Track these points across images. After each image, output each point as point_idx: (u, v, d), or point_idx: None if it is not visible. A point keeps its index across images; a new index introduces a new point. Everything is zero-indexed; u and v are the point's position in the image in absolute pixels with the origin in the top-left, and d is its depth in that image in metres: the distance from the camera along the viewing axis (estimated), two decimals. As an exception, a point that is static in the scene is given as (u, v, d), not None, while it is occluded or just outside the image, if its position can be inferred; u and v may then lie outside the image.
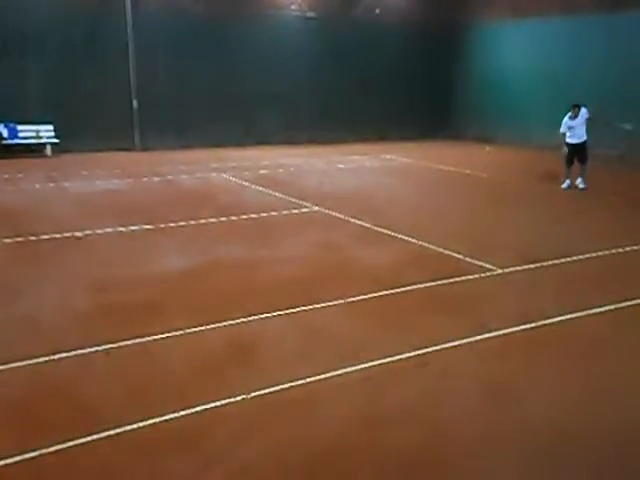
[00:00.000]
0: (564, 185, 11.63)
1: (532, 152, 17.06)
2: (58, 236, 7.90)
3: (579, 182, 11.54)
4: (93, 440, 3.51)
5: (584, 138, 11.40)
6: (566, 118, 11.42)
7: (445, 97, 20.62)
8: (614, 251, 7.45)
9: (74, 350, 4.60)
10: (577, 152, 11.48)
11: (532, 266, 6.79)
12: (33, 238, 7.78)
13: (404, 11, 19.66)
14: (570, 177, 11.66)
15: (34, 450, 3.39)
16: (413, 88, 20.09)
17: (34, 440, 3.49)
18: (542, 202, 10.76)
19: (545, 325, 5.19)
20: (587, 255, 7.24)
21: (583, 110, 11.36)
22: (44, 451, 3.40)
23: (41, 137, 15.12)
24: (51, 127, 15.21)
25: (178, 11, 16.36)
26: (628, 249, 7.55)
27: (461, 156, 16.72)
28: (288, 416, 3.81)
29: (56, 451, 3.41)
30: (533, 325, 5.18)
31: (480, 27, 19.76)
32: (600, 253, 7.34)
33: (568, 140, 11.47)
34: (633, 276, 6.65)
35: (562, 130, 11.46)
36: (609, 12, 15.75)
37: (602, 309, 5.55)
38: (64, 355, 4.53)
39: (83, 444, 3.47)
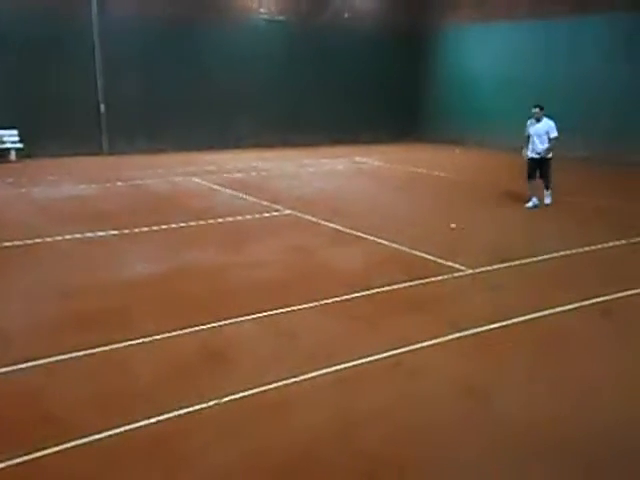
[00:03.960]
0: (529, 204, 10.19)
1: (501, 154, 17.35)
2: (23, 243, 7.72)
3: (546, 199, 10.33)
4: (61, 450, 3.44)
5: (546, 154, 10.02)
6: (529, 121, 10.14)
7: (416, 100, 20.87)
8: (579, 250, 7.62)
9: (41, 359, 4.50)
10: (539, 167, 10.16)
11: (501, 266, 6.90)
12: (-3, 245, 7.60)
13: (373, 15, 19.83)
14: (535, 194, 10.23)
15: (0, 462, 3.30)
16: (384, 91, 20.27)
17: (0, 451, 3.40)
18: (510, 203, 10.93)
19: (514, 324, 5.28)
20: (553, 255, 7.39)
21: (549, 122, 9.96)
22: (10, 463, 3.31)
23: (4, 142, 14.75)
24: (15, 132, 14.85)
25: (146, 14, 16.18)
26: (587, 249, 7.72)
27: (432, 158, 16.91)
28: (261, 421, 3.79)
29: (23, 462, 3.33)
30: (502, 324, 5.26)
31: (449, 30, 20.04)
32: (565, 252, 7.50)
33: (529, 154, 10.16)
34: (597, 274, 6.81)
35: (526, 133, 10.15)
36: (574, 15, 16.14)
37: (568, 307, 5.68)
38: (31, 364, 4.43)
39: (51, 454, 3.40)
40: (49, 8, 14.94)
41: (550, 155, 10.16)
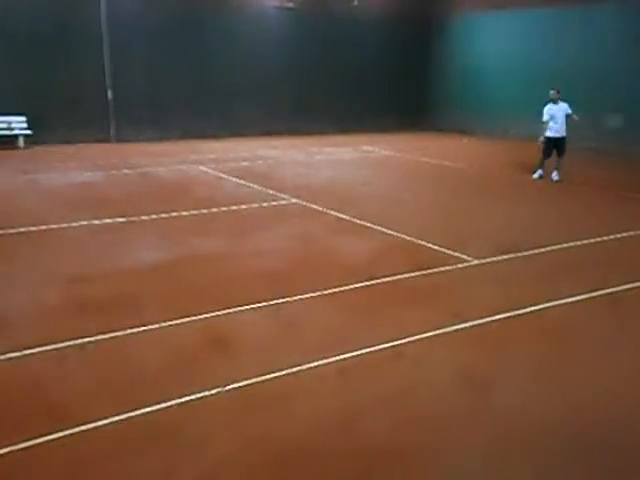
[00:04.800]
0: (535, 175, 11.71)
1: (509, 144, 17.21)
2: (30, 229, 7.75)
3: (554, 174, 11.55)
4: (64, 436, 3.45)
5: (564, 133, 11.37)
6: (548, 105, 11.32)
7: (424, 89, 20.71)
8: (587, 242, 7.56)
9: (46, 345, 4.52)
10: (557, 146, 11.45)
11: (507, 257, 6.85)
12: (2, 232, 7.62)
13: (382, 2, 19.62)
14: (543, 168, 11.68)
15: (3, 447, 3.33)
16: (393, 79, 20.12)
17: (3, 437, 3.42)
18: (518, 193, 10.86)
19: (519, 315, 5.25)
20: (561, 245, 7.33)
21: (565, 104, 11.29)
22: (13, 448, 3.34)
23: (13, 129, 14.80)
24: (23, 118, 14.89)
25: (153, 1, 16.11)
26: (599, 239, 7.66)
27: (439, 148, 16.79)
28: (263, 410, 3.79)
29: (26, 448, 3.35)
30: (508, 315, 5.22)
31: (459, 18, 19.82)
32: (573, 244, 7.44)
33: (548, 134, 11.37)
34: (605, 265, 6.76)
35: (545, 119, 11.33)
36: (585, 3, 15.91)
37: (575, 298, 5.63)
38: (35, 350, 4.45)
39: (53, 440, 3.42)
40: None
41: (565, 134, 11.41)
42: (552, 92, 11.29)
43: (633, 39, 15.25)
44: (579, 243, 7.47)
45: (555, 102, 11.29)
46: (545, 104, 11.39)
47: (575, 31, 16.44)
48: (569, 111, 11.27)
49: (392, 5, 19.69)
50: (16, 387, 4.04)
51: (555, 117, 11.29)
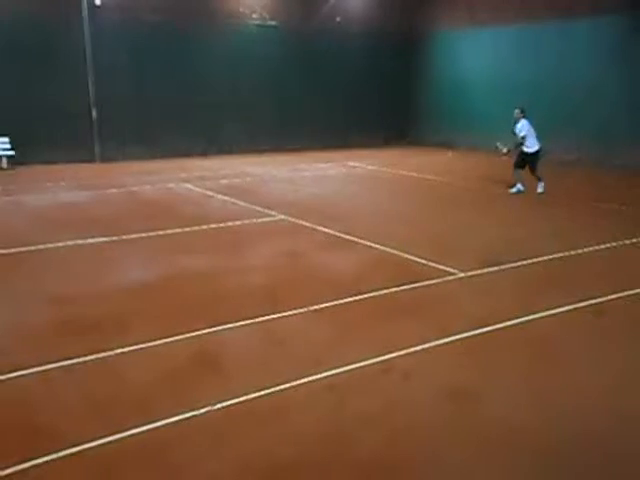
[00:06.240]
0: (514, 190, 11.75)
1: (493, 158, 17.41)
2: (15, 250, 7.70)
3: (539, 187, 11.63)
4: (53, 459, 3.42)
5: (529, 149, 11.48)
6: (525, 121, 11.41)
7: (408, 104, 20.94)
8: (570, 253, 7.67)
9: (33, 367, 4.48)
10: (532, 161, 11.55)
11: (493, 269, 6.93)
12: (-11, 253, 7.57)
13: (365, 19, 19.89)
14: (522, 182, 11.70)
15: (-10, 472, 3.30)
16: (376, 95, 20.33)
17: (-10, 462, 3.39)
18: (501, 206, 11.00)
19: (505, 327, 5.31)
20: (545, 257, 7.43)
21: (521, 123, 11.42)
22: (1, 473, 3.29)
23: (-5, 150, 14.71)
24: (7, 139, 14.79)
25: (137, 20, 16.17)
26: (580, 251, 7.77)
27: (424, 162, 16.96)
28: (253, 427, 3.79)
29: (13, 473, 3.31)
30: (494, 327, 5.28)
31: (441, 34, 20.13)
32: (556, 255, 7.54)
33: (527, 149, 11.44)
34: (588, 276, 6.86)
35: (524, 133, 11.36)
36: (562, 20, 16.27)
37: (560, 310, 5.70)
38: (22, 373, 4.41)
39: (42, 464, 3.39)
40: (40, 14, 14.90)
41: (530, 150, 11.55)
42: (515, 111, 11.57)
43: (608, 53, 15.57)
44: (564, 254, 7.57)
45: (517, 121, 11.51)
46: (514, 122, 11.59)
47: (552, 46, 16.77)
48: (516, 131, 11.46)
49: (375, 22, 19.96)
50: (3, 409, 4.00)
51: (529, 133, 11.49)
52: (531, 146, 11.49)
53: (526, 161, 11.60)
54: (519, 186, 11.77)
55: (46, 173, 14.27)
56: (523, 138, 11.43)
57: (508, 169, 12.15)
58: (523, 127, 11.42)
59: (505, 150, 11.91)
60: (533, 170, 11.65)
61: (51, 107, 15.27)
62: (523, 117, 11.53)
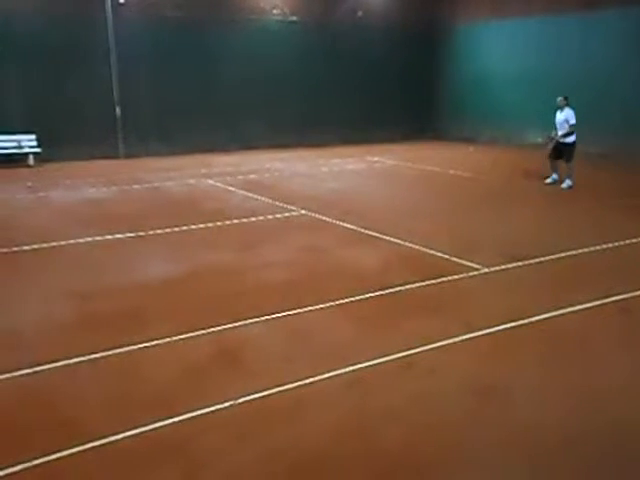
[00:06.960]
0: (548, 180, 11.80)
1: (514, 151, 17.20)
2: (40, 246, 7.82)
3: (564, 183, 11.48)
4: (77, 452, 3.46)
5: (566, 140, 11.31)
6: (571, 110, 11.31)
7: (429, 98, 20.76)
8: (597, 247, 7.52)
9: (57, 361, 4.54)
10: (560, 152, 11.47)
11: (517, 264, 6.83)
12: (15, 249, 7.69)
13: (386, 13, 19.75)
14: (557, 172, 11.73)
15: (17, 464, 3.34)
16: (397, 90, 20.19)
17: (17, 454, 3.44)
18: (525, 201, 10.83)
19: (531, 323, 5.22)
20: (571, 252, 7.29)
21: (569, 111, 11.24)
22: (28, 465, 3.35)
23: (23, 147, 14.96)
24: (33, 137, 15.05)
25: (159, 17, 16.31)
26: (609, 246, 7.62)
27: (445, 157, 16.80)
28: (276, 422, 3.78)
29: (40, 464, 3.36)
30: (518, 323, 5.20)
31: (462, 28, 19.90)
32: (582, 250, 7.40)
33: (569, 139, 11.36)
34: (616, 272, 6.71)
35: (574, 121, 11.23)
36: (586, 10, 15.94)
37: (585, 306, 5.59)
38: (47, 367, 4.47)
39: (67, 456, 3.43)
40: (64, 13, 15.12)
41: (569, 140, 11.33)
42: (559, 99, 11.42)
43: (633, 44, 15.22)
44: (588, 250, 7.43)
45: (561, 109, 11.39)
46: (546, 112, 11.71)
47: (576, 37, 16.46)
48: (569, 119, 11.22)
49: (396, 16, 19.81)
50: (29, 403, 4.06)
51: (555, 124, 11.48)
52: (572, 136, 11.38)
53: (564, 152, 11.41)
54: (555, 176, 11.78)
55: (71, 169, 14.48)
56: (573, 126, 11.22)
57: (530, 163, 12.00)
58: (573, 115, 11.17)
59: (553, 134, 11.57)
60: (569, 160, 11.45)
61: (76, 105, 15.51)
62: (567, 105, 11.31)
